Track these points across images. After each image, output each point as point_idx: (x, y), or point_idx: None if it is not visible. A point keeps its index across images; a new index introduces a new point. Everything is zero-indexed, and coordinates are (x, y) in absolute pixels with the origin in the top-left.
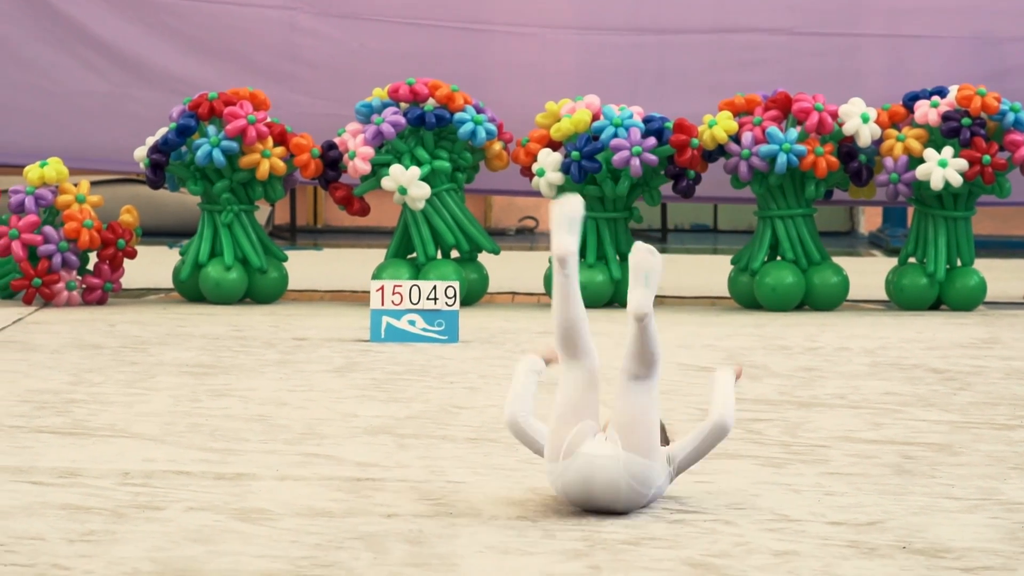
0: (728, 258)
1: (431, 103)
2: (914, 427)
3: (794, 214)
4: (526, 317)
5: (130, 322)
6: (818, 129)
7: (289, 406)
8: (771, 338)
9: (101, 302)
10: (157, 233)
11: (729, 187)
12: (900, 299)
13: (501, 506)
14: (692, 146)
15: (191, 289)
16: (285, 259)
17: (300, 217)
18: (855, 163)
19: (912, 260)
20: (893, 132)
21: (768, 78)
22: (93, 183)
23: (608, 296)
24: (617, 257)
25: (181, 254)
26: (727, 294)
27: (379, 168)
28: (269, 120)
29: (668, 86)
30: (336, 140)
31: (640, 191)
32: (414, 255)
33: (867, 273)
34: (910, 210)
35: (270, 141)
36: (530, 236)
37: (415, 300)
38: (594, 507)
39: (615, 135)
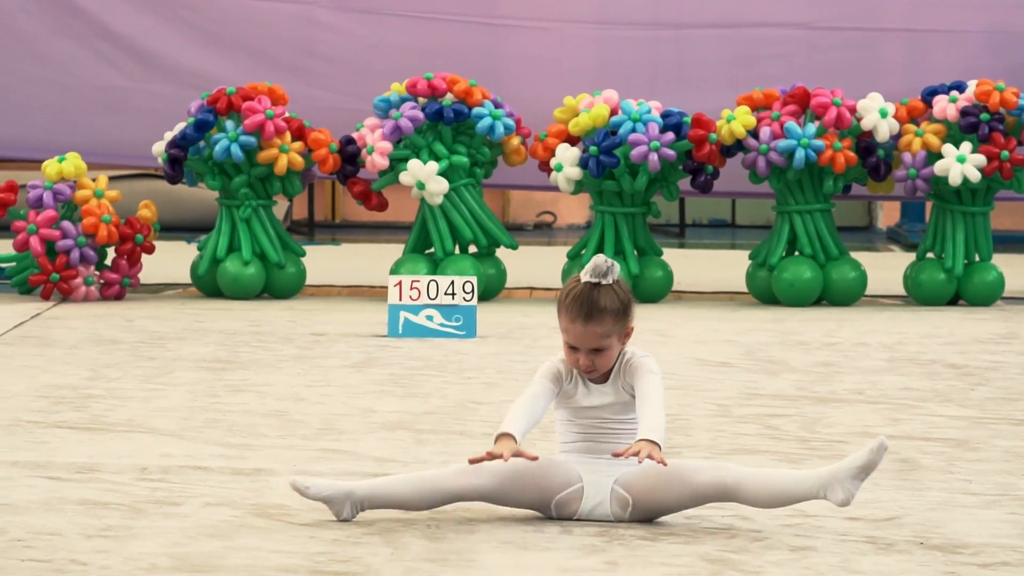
0: (746, 253)
1: (449, 98)
2: (932, 422)
3: (812, 209)
4: (544, 312)
5: (148, 317)
6: (836, 124)
7: (307, 401)
8: (789, 333)
9: (119, 297)
10: (175, 228)
11: (747, 182)
12: (918, 294)
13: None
14: (710, 141)
15: (209, 284)
16: (303, 254)
17: (318, 212)
18: (873, 158)
19: (930, 255)
20: (911, 127)
21: (786, 73)
22: (111, 178)
23: None
24: (635, 252)
25: (199, 249)
26: (745, 289)
27: (397, 163)
28: (287, 115)
29: (686, 81)
30: (354, 135)
31: (658, 186)
32: (432, 250)
33: (885, 268)
34: (928, 205)
35: (288, 136)
36: (548, 231)
37: (433, 295)
38: None
39: (633, 130)
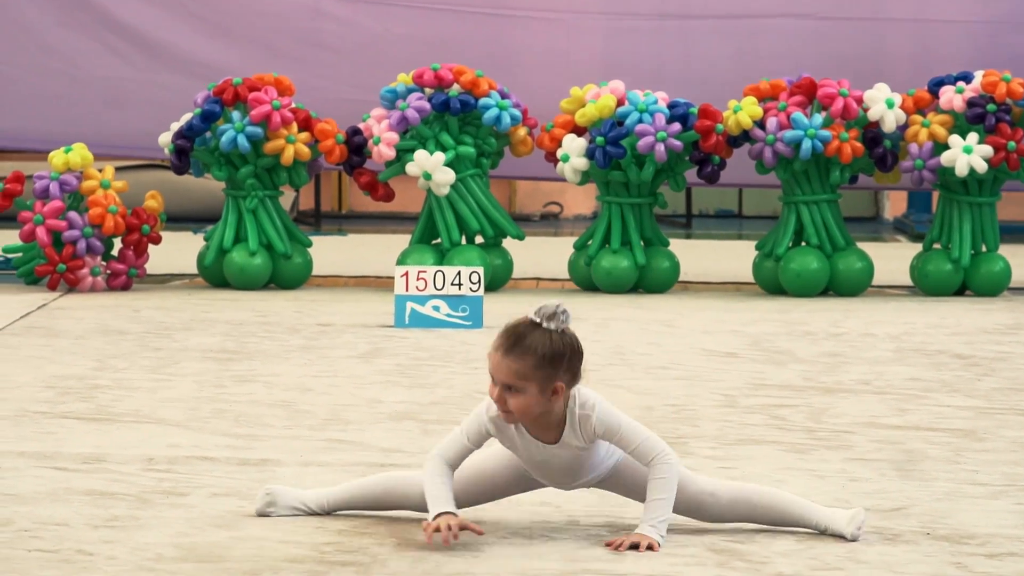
0: (753, 243)
1: (456, 88)
2: (938, 413)
3: (819, 200)
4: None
5: (154, 308)
6: (843, 115)
7: (313, 392)
8: (795, 324)
9: (125, 288)
10: (181, 219)
11: (754, 172)
12: (925, 285)
13: (525, 492)
14: (717, 131)
15: (215, 275)
16: (309, 245)
17: (325, 203)
18: (880, 149)
19: (937, 246)
20: (918, 118)
21: (793, 63)
22: (118, 169)
23: (632, 282)
24: (641, 242)
25: (205, 240)
26: (752, 279)
27: (404, 154)
28: (294, 106)
29: (693, 71)
30: (361, 126)
31: (665, 176)
32: (438, 241)
33: (892, 259)
34: (935, 195)
35: (295, 127)
36: (554, 222)
37: (439, 286)
38: None
39: (640, 120)
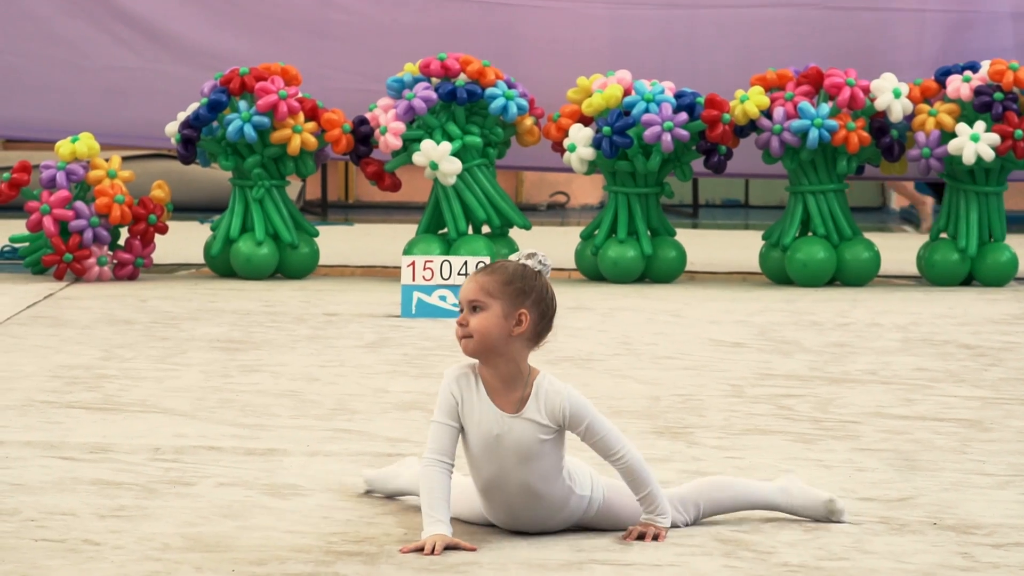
0: (759, 233)
1: (462, 78)
2: (945, 403)
3: (825, 189)
4: (556, 293)
5: (161, 297)
6: (850, 104)
7: (320, 382)
8: (802, 314)
9: (132, 277)
10: (188, 208)
11: (760, 162)
12: (931, 275)
13: None
14: (723, 121)
15: (222, 264)
16: (316, 234)
17: (331, 192)
18: (887, 138)
19: (944, 235)
20: (925, 107)
21: (800, 53)
22: (124, 158)
23: (639, 272)
24: (648, 232)
25: (212, 229)
26: (758, 269)
27: (410, 143)
28: (300, 95)
29: (699, 61)
30: (367, 115)
31: (671, 166)
32: (445, 230)
33: (898, 249)
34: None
35: (301, 116)
36: (561, 212)
37: (446, 275)
38: None
39: (646, 110)
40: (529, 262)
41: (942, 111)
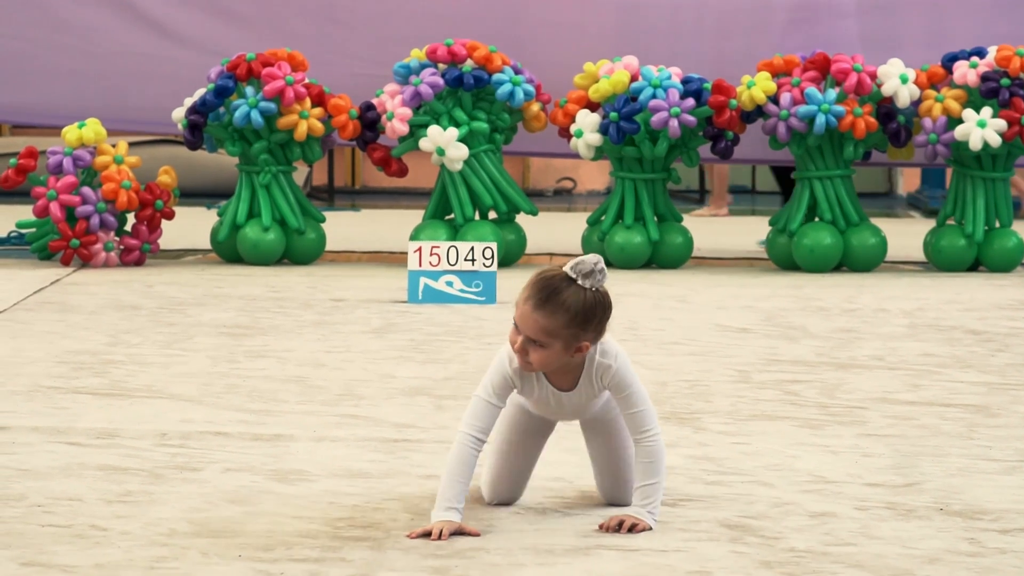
0: (766, 219)
1: (469, 64)
2: (952, 388)
3: (832, 175)
4: None
5: (168, 283)
6: (857, 90)
7: (327, 367)
8: (809, 299)
9: (139, 263)
10: (195, 194)
11: (767, 148)
12: (938, 260)
13: (537, 467)
14: (730, 107)
15: (229, 250)
16: (323, 220)
17: (338, 178)
18: (894, 124)
19: (950, 221)
20: (932, 93)
21: (807, 39)
22: (131, 144)
23: (646, 257)
24: (655, 218)
25: (219, 215)
26: (765, 255)
27: (417, 129)
28: (307, 81)
29: (706, 47)
30: (374, 101)
31: (678, 152)
32: (452, 216)
33: (905, 234)
34: (948, 171)
35: (308, 102)
36: (568, 197)
37: (453, 261)
38: None
39: (653, 96)
40: (587, 283)
41: (949, 97)
